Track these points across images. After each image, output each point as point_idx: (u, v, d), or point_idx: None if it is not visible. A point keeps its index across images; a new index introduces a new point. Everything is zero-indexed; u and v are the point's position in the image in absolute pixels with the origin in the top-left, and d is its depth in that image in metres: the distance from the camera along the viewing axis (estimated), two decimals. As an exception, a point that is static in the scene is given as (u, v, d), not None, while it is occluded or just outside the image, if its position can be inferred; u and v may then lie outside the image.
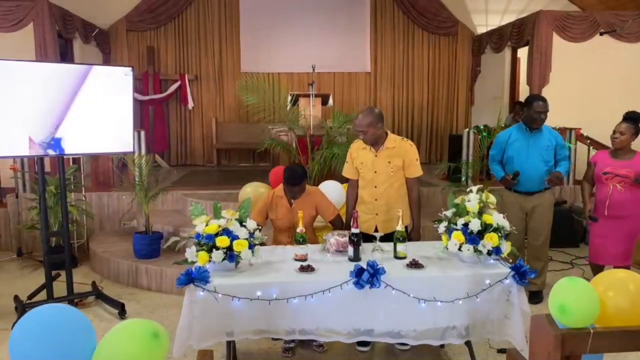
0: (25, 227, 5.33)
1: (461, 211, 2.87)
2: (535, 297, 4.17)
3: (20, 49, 5.81)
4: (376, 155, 3.35)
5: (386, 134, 3.38)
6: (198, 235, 2.67)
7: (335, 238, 3.01)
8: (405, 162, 3.36)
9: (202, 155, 8.81)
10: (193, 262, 2.64)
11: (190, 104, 8.61)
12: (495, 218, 2.81)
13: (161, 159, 8.41)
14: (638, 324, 1.71)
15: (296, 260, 2.85)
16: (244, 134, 8.48)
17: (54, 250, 4.76)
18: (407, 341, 2.74)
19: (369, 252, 2.96)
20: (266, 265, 2.78)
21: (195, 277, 2.48)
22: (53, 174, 5.46)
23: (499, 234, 2.78)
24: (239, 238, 2.64)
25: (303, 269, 2.70)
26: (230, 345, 2.99)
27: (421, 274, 2.70)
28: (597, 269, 3.99)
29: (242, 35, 8.70)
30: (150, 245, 4.77)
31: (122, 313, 3.99)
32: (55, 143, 3.67)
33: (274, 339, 3.35)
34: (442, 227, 2.91)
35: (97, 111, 3.83)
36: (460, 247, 2.77)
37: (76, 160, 5.77)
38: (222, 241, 2.61)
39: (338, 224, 3.49)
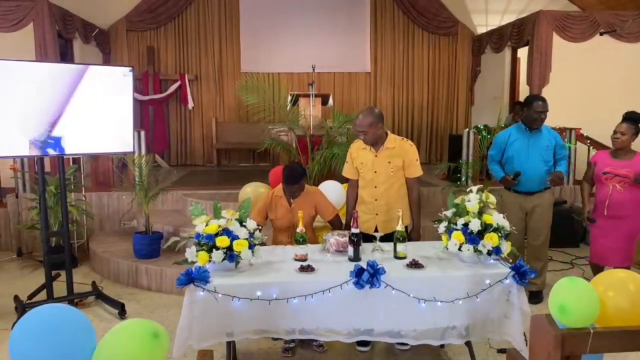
0: (25, 227, 5.33)
1: (461, 211, 2.87)
2: (535, 297, 4.17)
3: (20, 49, 5.81)
4: (376, 156, 3.35)
5: (386, 134, 3.38)
6: (198, 235, 2.67)
7: (335, 238, 3.01)
8: (405, 162, 3.36)
9: (202, 155, 8.81)
10: (193, 262, 2.64)
11: (190, 104, 8.61)
12: (495, 218, 2.81)
13: (161, 159, 8.41)
14: (638, 324, 1.71)
15: (296, 260, 2.85)
16: (244, 134, 8.47)
17: (54, 250, 4.77)
18: (407, 341, 2.75)
19: (369, 252, 2.96)
20: (266, 265, 2.78)
21: (195, 277, 2.48)
22: (53, 174, 5.46)
23: (499, 234, 2.78)
24: (239, 238, 2.64)
25: (303, 269, 2.70)
26: (230, 345, 2.99)
27: (421, 274, 2.70)
28: (597, 269, 3.99)
29: (242, 35, 8.70)
30: (150, 245, 4.77)
31: (122, 313, 3.99)
32: (56, 142, 3.67)
33: (274, 339, 3.35)
34: (442, 227, 2.91)
35: (97, 111, 3.83)
36: (460, 247, 2.77)
37: (76, 160, 5.77)
38: (222, 241, 2.61)
39: (337, 224, 3.49)
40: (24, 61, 3.61)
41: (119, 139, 4.00)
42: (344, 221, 3.63)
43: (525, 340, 2.64)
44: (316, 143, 5.41)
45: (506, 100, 8.39)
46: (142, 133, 5.86)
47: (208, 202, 4.89)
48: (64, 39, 6.93)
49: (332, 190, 4.07)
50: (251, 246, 2.68)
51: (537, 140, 4.04)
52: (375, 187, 3.38)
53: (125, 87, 3.95)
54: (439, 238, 2.97)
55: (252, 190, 4.55)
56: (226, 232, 2.64)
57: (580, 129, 6.49)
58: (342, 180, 3.91)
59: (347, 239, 2.94)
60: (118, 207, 5.81)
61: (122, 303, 4.04)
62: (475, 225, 2.76)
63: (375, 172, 3.36)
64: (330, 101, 6.80)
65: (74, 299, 4.04)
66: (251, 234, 2.72)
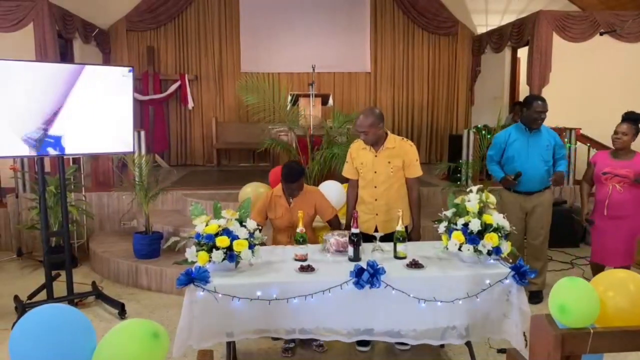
0: (25, 227, 5.33)
1: (461, 211, 2.87)
2: (535, 297, 4.17)
3: (20, 49, 5.81)
4: (376, 156, 3.36)
5: (386, 134, 3.38)
6: (198, 235, 2.67)
7: (335, 238, 3.01)
8: (405, 163, 3.36)
9: (202, 155, 8.81)
10: (193, 262, 2.64)
11: (190, 104, 8.61)
12: (495, 218, 2.81)
13: (161, 159, 8.41)
14: (638, 324, 1.71)
15: (296, 260, 2.85)
16: (244, 134, 8.47)
17: (54, 250, 4.77)
18: (407, 341, 2.74)
19: (369, 252, 2.96)
20: (266, 265, 2.78)
21: (195, 277, 2.48)
22: (53, 174, 5.46)
23: (499, 234, 2.78)
24: (239, 238, 2.64)
25: (303, 269, 2.70)
26: (230, 345, 3.00)
27: (421, 274, 2.70)
28: (598, 269, 3.99)
29: (242, 35, 8.70)
30: (150, 245, 4.77)
31: (122, 313, 3.99)
32: (56, 141, 3.68)
33: (273, 339, 3.35)
34: (442, 227, 2.91)
35: (97, 111, 3.83)
36: (460, 247, 2.77)
37: (76, 160, 5.77)
38: (222, 241, 2.61)
39: (335, 225, 3.49)
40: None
41: (119, 139, 4.00)
42: (343, 221, 3.63)
43: (525, 340, 2.64)
44: (316, 143, 5.41)
45: (506, 100, 8.39)
46: (142, 133, 5.86)
47: (208, 202, 4.89)
48: (64, 39, 6.93)
49: (332, 190, 4.08)
50: (251, 246, 2.68)
51: (537, 140, 4.04)
52: (375, 187, 3.38)
53: (125, 87, 3.95)
54: (439, 238, 2.97)
55: (252, 190, 4.55)
56: (226, 232, 2.64)
57: (580, 129, 6.50)
58: (342, 180, 3.91)
59: (347, 239, 2.94)
60: (118, 207, 5.81)
61: (122, 303, 4.04)
62: (475, 225, 2.76)
63: (375, 172, 3.36)
64: (330, 101, 6.80)
65: (74, 299, 4.04)
66: (251, 234, 2.72)
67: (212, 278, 2.51)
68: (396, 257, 2.90)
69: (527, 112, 4.01)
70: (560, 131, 6.12)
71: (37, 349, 1.39)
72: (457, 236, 2.78)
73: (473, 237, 2.75)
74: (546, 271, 4.38)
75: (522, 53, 7.76)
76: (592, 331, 1.68)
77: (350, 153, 3.50)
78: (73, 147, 3.78)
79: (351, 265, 2.60)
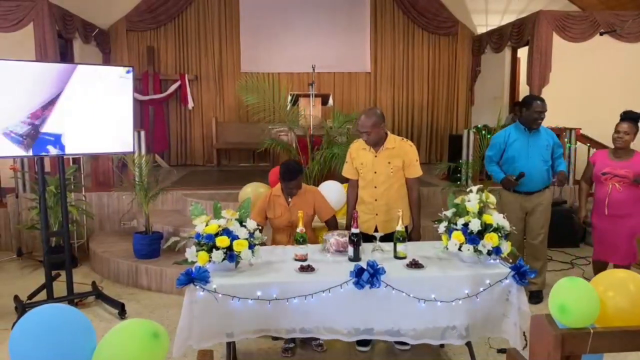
0: (25, 227, 5.33)
1: (461, 211, 2.87)
2: (535, 297, 4.17)
3: (20, 49, 5.82)
4: (376, 156, 3.36)
5: (386, 134, 3.38)
6: (198, 235, 2.67)
7: (335, 238, 3.01)
8: (405, 163, 3.36)
9: (202, 155, 8.81)
10: (193, 262, 2.64)
11: (190, 104, 8.61)
12: (495, 218, 2.81)
13: (161, 159, 8.41)
14: (638, 324, 1.71)
15: (296, 260, 2.85)
16: (244, 134, 8.47)
17: (54, 250, 4.77)
18: (407, 340, 2.74)
19: (369, 252, 2.96)
20: (266, 265, 2.78)
21: (195, 277, 2.48)
22: (53, 174, 5.46)
23: (499, 234, 2.78)
24: (239, 238, 2.64)
25: (303, 269, 2.70)
26: (230, 345, 2.99)
27: (421, 274, 2.70)
28: (600, 267, 3.99)
29: (242, 35, 8.70)
30: (150, 245, 4.77)
31: (122, 313, 3.99)
32: (56, 139, 3.67)
33: (273, 339, 3.35)
34: (442, 227, 2.91)
35: (97, 111, 3.83)
36: (460, 247, 2.77)
37: (76, 160, 5.77)
38: (222, 241, 2.61)
39: (333, 225, 3.49)
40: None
41: (119, 139, 4.00)
42: (343, 221, 3.63)
43: (525, 340, 2.64)
44: (316, 143, 5.41)
45: (506, 100, 8.39)
46: (142, 133, 5.86)
47: (208, 202, 4.89)
48: (64, 39, 6.93)
49: (332, 190, 4.08)
50: (251, 246, 2.68)
51: (536, 140, 4.04)
52: (375, 187, 3.38)
53: (125, 87, 3.95)
54: (439, 238, 2.97)
55: (252, 190, 4.55)
56: (226, 232, 2.64)
57: (580, 129, 6.50)
58: (342, 180, 3.91)
59: (347, 239, 2.94)
60: (118, 207, 5.81)
61: (122, 303, 4.03)
62: (475, 225, 2.76)
63: (375, 172, 3.36)
64: (330, 101, 6.80)
65: (74, 299, 4.03)
66: (251, 234, 2.72)
67: (212, 278, 2.51)
68: (396, 257, 2.90)
69: (527, 112, 4.01)
70: (560, 131, 6.14)
71: (37, 349, 1.39)
72: (457, 236, 2.78)
73: (473, 237, 2.75)
74: (546, 271, 4.38)
75: (522, 53, 7.76)
76: (592, 331, 1.68)
77: (350, 153, 3.50)
78: (73, 146, 3.78)
79: (351, 265, 2.60)
